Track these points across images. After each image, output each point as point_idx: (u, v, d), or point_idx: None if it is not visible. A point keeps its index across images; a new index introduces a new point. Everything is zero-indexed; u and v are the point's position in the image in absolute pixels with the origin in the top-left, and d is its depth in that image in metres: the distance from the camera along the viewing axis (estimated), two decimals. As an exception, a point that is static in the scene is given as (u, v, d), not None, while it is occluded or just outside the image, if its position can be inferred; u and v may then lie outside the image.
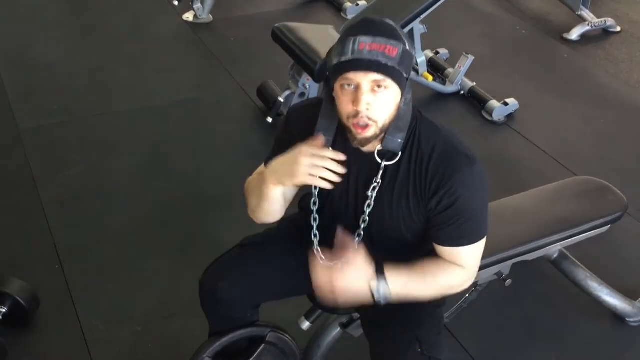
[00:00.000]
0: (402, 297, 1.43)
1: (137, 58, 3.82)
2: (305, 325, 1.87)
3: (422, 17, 3.25)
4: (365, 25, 1.35)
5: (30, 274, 2.31)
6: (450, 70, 3.62)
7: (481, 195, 1.47)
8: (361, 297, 1.40)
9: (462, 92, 3.58)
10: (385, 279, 1.40)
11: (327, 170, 1.39)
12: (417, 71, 3.45)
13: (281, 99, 3.18)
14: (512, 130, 3.37)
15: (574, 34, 4.27)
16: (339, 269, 1.38)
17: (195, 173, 2.96)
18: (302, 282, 1.68)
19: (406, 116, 1.41)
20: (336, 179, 1.39)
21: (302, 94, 3.17)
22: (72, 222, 2.64)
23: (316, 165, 1.38)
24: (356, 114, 1.35)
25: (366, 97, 1.33)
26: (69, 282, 2.37)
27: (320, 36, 3.05)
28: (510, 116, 3.45)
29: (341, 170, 1.39)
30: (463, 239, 1.47)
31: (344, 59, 1.32)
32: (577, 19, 4.36)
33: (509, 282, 2.05)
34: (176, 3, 4.18)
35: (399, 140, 1.41)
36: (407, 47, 1.35)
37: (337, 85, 1.37)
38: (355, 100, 1.34)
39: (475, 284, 2.07)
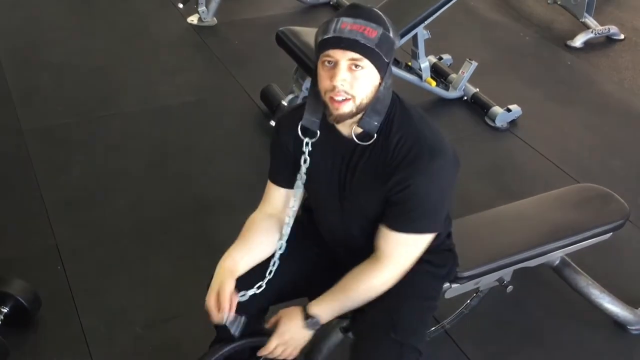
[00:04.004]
0: (335, 315, 1.57)
1: (142, 60, 3.83)
2: (307, 329, 1.87)
3: (426, 22, 3.26)
4: (351, 8, 1.43)
5: (32, 274, 2.31)
6: (453, 75, 3.63)
7: (437, 187, 1.50)
8: (305, 340, 1.58)
9: (465, 98, 3.59)
10: (312, 317, 1.54)
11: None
12: (420, 76, 3.46)
13: (284, 103, 3.19)
14: (515, 136, 3.37)
15: (578, 41, 4.28)
16: (283, 340, 1.55)
17: (197, 175, 2.96)
18: (306, 284, 1.69)
19: (385, 100, 1.47)
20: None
21: (306, 98, 3.17)
22: (75, 223, 2.65)
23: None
24: (333, 88, 1.41)
25: (342, 73, 1.40)
26: (71, 283, 2.38)
27: (324, 40, 3.06)
28: (513, 122, 3.45)
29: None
30: (405, 225, 1.51)
31: (325, 36, 1.40)
32: (581, 26, 4.37)
33: (510, 288, 2.05)
34: (181, 6, 4.20)
35: (375, 123, 1.47)
36: (390, 33, 1.41)
37: (319, 63, 1.44)
38: (333, 76, 1.40)
39: (476, 290, 2.07)
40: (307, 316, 1.55)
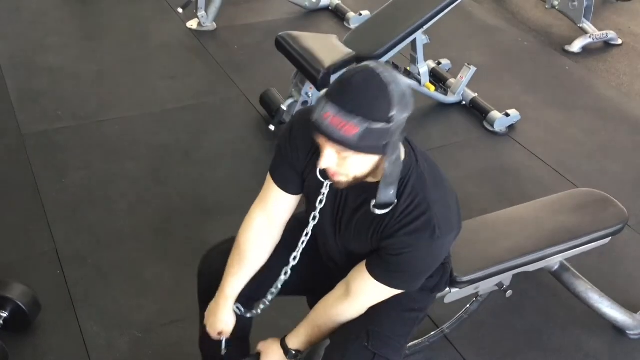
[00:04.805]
0: (311, 344, 1.63)
1: (141, 65, 3.83)
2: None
3: (425, 27, 3.27)
4: (341, 90, 1.27)
5: (31, 278, 2.31)
6: (452, 80, 3.64)
7: (427, 261, 1.50)
8: None
9: (464, 103, 3.60)
10: (292, 350, 1.61)
11: None
12: (419, 81, 3.47)
13: (284, 107, 3.19)
14: (514, 141, 3.38)
15: (576, 46, 4.30)
16: None
17: (197, 180, 2.96)
18: (300, 281, 1.68)
19: (395, 174, 1.37)
20: None
21: (305, 103, 3.19)
22: (74, 227, 2.65)
23: None
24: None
25: (327, 159, 1.34)
26: (70, 287, 2.38)
27: (324, 45, 3.07)
28: (511, 127, 3.46)
29: None
30: (381, 276, 1.50)
31: (312, 117, 1.31)
32: (579, 31, 4.39)
33: (509, 293, 2.06)
34: (180, 11, 4.20)
35: (392, 193, 1.39)
36: (378, 123, 1.25)
37: None
38: (320, 156, 1.35)
39: (476, 295, 2.07)
40: (287, 350, 1.62)
